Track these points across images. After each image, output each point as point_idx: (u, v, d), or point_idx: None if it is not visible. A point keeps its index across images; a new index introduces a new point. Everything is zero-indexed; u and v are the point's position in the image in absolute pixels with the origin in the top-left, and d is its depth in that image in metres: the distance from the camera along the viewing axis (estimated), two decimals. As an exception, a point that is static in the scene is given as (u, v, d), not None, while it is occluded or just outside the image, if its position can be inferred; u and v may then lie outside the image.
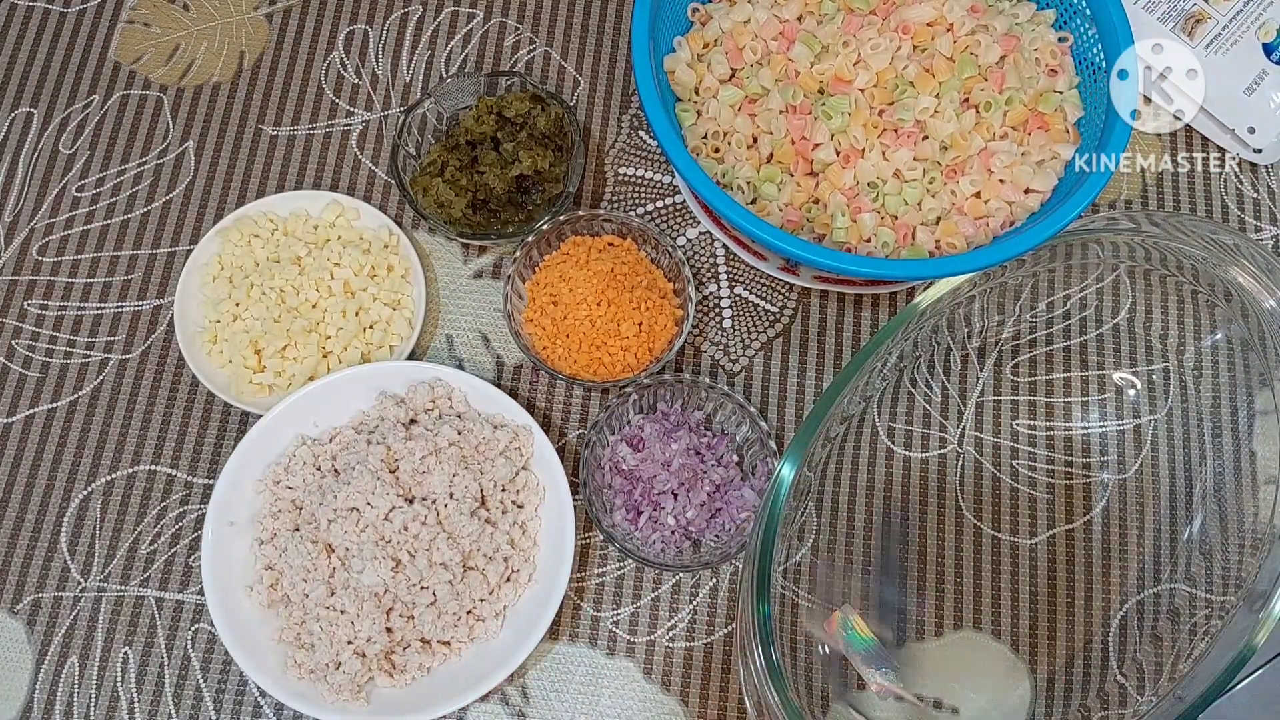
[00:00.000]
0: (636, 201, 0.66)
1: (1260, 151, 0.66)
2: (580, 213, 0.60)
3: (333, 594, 0.53)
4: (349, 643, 0.52)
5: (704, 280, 0.64)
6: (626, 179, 0.66)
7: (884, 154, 0.56)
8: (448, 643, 0.54)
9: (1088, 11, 0.58)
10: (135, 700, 0.55)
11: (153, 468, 0.59)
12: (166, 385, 0.61)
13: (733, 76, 0.60)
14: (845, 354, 0.63)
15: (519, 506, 0.56)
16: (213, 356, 0.59)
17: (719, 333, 0.63)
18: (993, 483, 0.60)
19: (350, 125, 0.67)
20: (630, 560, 0.58)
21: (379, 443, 0.55)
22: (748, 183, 0.57)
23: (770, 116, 0.57)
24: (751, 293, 0.64)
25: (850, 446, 0.60)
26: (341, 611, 0.52)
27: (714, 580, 0.58)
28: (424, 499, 0.54)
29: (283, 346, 0.58)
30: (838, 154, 0.56)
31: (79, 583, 0.57)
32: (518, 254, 0.59)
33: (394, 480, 0.54)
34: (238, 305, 0.59)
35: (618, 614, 0.58)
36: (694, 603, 0.58)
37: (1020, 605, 0.58)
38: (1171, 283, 0.62)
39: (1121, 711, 0.56)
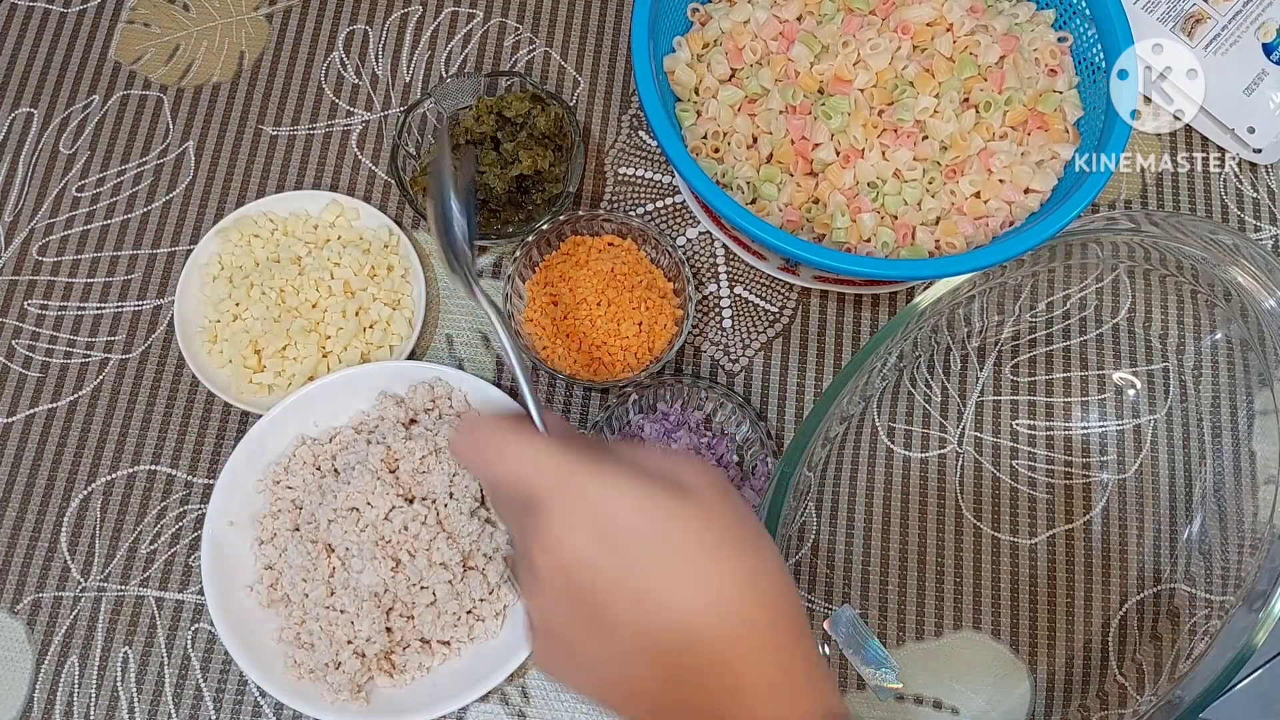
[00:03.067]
0: (636, 201, 0.66)
1: (1260, 151, 0.66)
2: (580, 213, 0.61)
3: (332, 594, 0.53)
4: (349, 642, 0.52)
5: (704, 280, 0.64)
6: (626, 179, 0.66)
7: (884, 154, 0.56)
8: (448, 643, 0.54)
9: (1087, 11, 0.58)
10: (135, 700, 0.55)
11: (153, 468, 0.59)
12: (166, 385, 0.61)
13: (733, 76, 0.60)
14: (845, 354, 0.63)
15: (519, 506, 0.56)
16: (213, 356, 0.59)
17: (719, 333, 0.63)
18: (993, 483, 0.60)
19: (350, 125, 0.67)
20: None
21: (379, 443, 0.55)
22: (748, 183, 0.57)
23: (770, 116, 0.57)
24: (751, 293, 0.64)
25: (850, 446, 0.60)
26: (341, 611, 0.52)
27: (714, 580, 0.58)
28: (424, 499, 0.54)
29: (283, 346, 0.58)
30: (838, 154, 0.56)
31: (79, 583, 0.57)
32: (518, 254, 0.59)
33: (394, 480, 0.54)
34: (238, 305, 0.59)
35: (618, 614, 0.58)
36: (694, 603, 0.58)
37: (1020, 605, 0.58)
38: (1171, 283, 0.62)
39: (1121, 711, 0.56)
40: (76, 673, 0.56)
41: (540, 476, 0.34)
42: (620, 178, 0.66)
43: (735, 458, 0.58)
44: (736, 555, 0.34)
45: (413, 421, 0.58)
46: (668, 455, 0.36)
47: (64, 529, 0.58)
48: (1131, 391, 0.62)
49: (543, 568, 0.34)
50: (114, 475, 0.59)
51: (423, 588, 0.53)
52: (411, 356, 0.60)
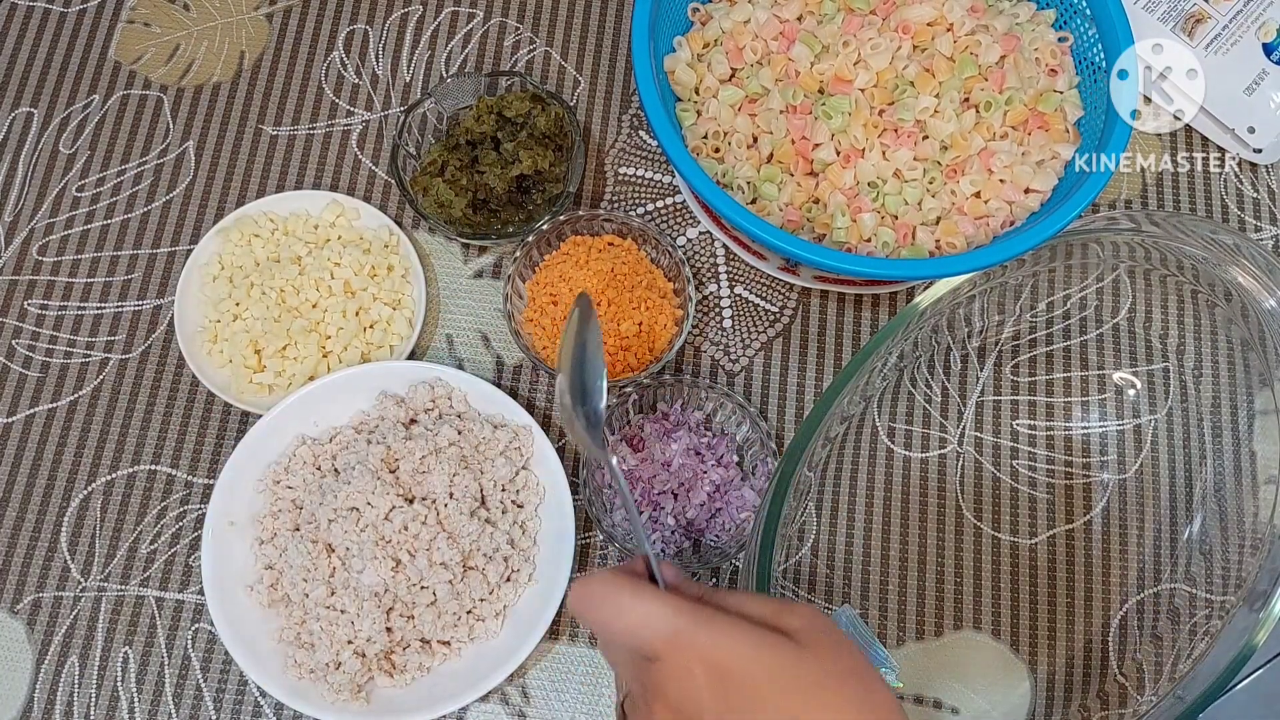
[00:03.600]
0: (636, 201, 0.66)
1: (1260, 151, 0.66)
2: (580, 213, 0.60)
3: (333, 594, 0.53)
4: (349, 642, 0.52)
5: (704, 280, 0.64)
6: (626, 179, 0.66)
7: (884, 154, 0.56)
8: (448, 643, 0.54)
9: (1088, 11, 0.58)
10: (135, 700, 0.55)
11: (153, 468, 0.59)
12: (166, 385, 0.61)
13: (733, 76, 0.60)
14: (845, 354, 0.63)
15: (519, 506, 0.56)
16: (213, 356, 0.59)
17: (719, 333, 0.63)
18: (993, 483, 0.60)
19: (350, 125, 0.67)
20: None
21: (379, 442, 0.55)
22: (748, 183, 0.57)
23: (770, 116, 0.57)
24: (751, 293, 0.64)
25: (850, 446, 0.60)
26: (341, 611, 0.52)
27: (714, 580, 0.58)
28: (424, 499, 0.54)
29: (283, 346, 0.58)
30: (838, 154, 0.56)
31: (79, 583, 0.57)
32: (518, 254, 0.59)
33: (394, 480, 0.54)
34: (238, 305, 0.59)
35: (618, 614, 0.58)
36: (694, 603, 0.58)
37: (1020, 605, 0.58)
38: (1171, 283, 0.62)
39: (1121, 711, 0.56)
40: (76, 673, 0.56)
41: (656, 632, 0.35)
42: (620, 178, 0.66)
43: (735, 458, 0.58)
44: (846, 691, 0.35)
45: (413, 421, 0.58)
46: (770, 601, 0.38)
47: (64, 529, 0.58)
48: (1131, 391, 0.62)
49: (660, 716, 0.35)
50: (114, 475, 0.59)
51: (423, 588, 0.53)
52: (411, 356, 0.60)
